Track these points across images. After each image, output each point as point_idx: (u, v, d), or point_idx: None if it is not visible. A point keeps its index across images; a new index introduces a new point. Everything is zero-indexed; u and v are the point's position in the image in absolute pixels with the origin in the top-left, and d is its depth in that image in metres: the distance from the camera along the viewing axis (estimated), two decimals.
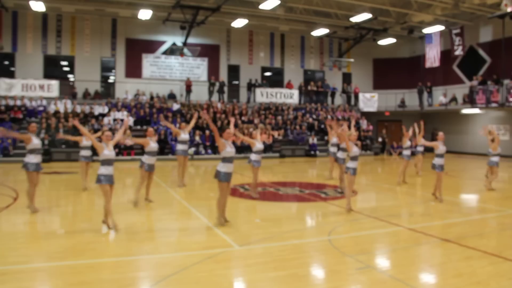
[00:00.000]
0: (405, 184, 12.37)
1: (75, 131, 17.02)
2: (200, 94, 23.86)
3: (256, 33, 25.88)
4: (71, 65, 22.73)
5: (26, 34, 21.56)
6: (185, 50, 23.67)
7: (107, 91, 23.43)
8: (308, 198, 10.11)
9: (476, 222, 7.99)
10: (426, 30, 23.76)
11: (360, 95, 26.69)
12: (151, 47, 23.90)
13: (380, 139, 25.32)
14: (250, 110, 23.79)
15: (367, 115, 26.53)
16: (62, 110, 20.12)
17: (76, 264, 5.27)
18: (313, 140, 22.42)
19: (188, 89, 23.26)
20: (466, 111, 23.07)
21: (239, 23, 22.80)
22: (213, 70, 24.75)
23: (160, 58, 24.04)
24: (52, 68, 22.44)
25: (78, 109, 20.34)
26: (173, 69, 24.21)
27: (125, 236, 6.54)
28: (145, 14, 20.69)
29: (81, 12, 21.99)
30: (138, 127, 20.36)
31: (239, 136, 9.14)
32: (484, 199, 10.43)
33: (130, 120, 20.46)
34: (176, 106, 22.25)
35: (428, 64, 24.86)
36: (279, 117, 23.51)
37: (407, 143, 12.82)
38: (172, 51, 23.66)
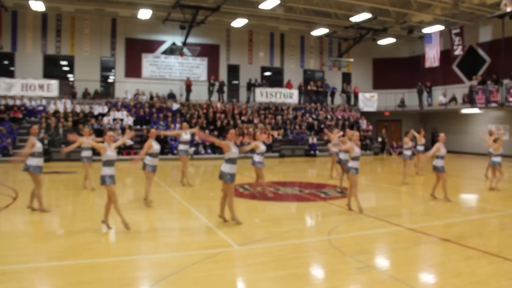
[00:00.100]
0: (405, 184, 12.38)
1: (75, 131, 16.98)
2: (199, 94, 23.86)
3: (255, 33, 25.87)
4: (71, 64, 22.72)
5: (25, 34, 21.54)
6: (185, 50, 23.65)
7: (106, 91, 23.41)
8: (307, 198, 10.12)
9: (476, 222, 8.00)
10: (425, 30, 23.77)
11: (360, 95, 26.68)
12: (151, 46, 23.90)
13: (379, 139, 25.32)
14: (249, 110, 23.78)
15: (367, 115, 26.52)
16: (61, 109, 20.10)
17: (76, 264, 5.27)
18: (312, 140, 22.41)
19: (188, 89, 23.26)
20: (465, 111, 23.08)
21: (239, 23, 22.80)
22: (212, 70, 24.74)
23: (160, 58, 24.03)
24: (51, 67, 22.42)
25: (78, 108, 20.32)
26: (172, 69, 24.20)
27: (125, 236, 6.54)
28: (144, 13, 20.69)
29: (80, 12, 21.98)
30: (138, 126, 20.38)
31: (246, 149, 8.87)
32: (484, 199, 10.46)
33: (130, 120, 20.54)
34: (175, 106, 22.25)
35: (427, 64, 24.87)
36: (279, 117, 23.49)
37: (408, 144, 12.83)
38: (172, 50, 23.64)
